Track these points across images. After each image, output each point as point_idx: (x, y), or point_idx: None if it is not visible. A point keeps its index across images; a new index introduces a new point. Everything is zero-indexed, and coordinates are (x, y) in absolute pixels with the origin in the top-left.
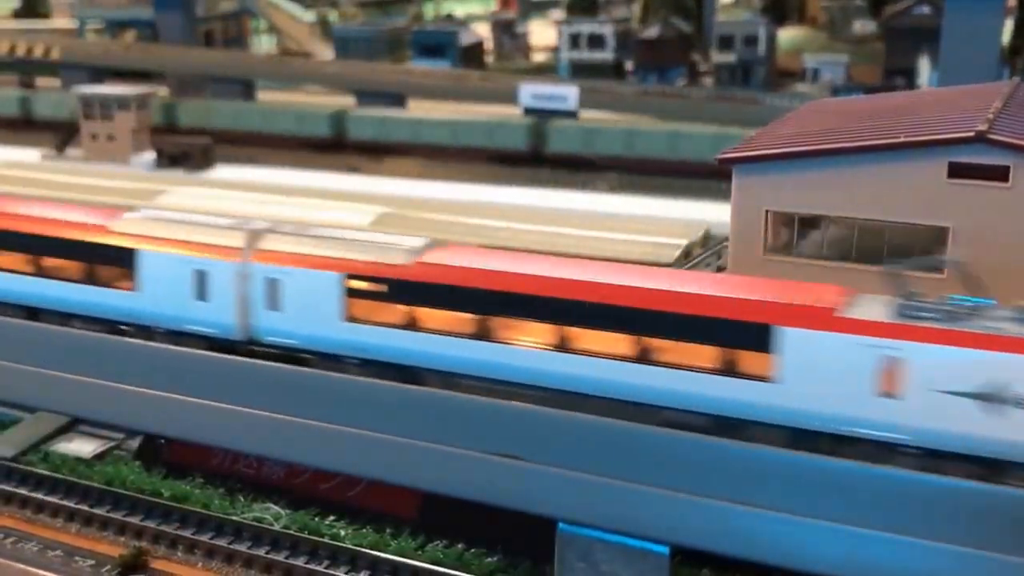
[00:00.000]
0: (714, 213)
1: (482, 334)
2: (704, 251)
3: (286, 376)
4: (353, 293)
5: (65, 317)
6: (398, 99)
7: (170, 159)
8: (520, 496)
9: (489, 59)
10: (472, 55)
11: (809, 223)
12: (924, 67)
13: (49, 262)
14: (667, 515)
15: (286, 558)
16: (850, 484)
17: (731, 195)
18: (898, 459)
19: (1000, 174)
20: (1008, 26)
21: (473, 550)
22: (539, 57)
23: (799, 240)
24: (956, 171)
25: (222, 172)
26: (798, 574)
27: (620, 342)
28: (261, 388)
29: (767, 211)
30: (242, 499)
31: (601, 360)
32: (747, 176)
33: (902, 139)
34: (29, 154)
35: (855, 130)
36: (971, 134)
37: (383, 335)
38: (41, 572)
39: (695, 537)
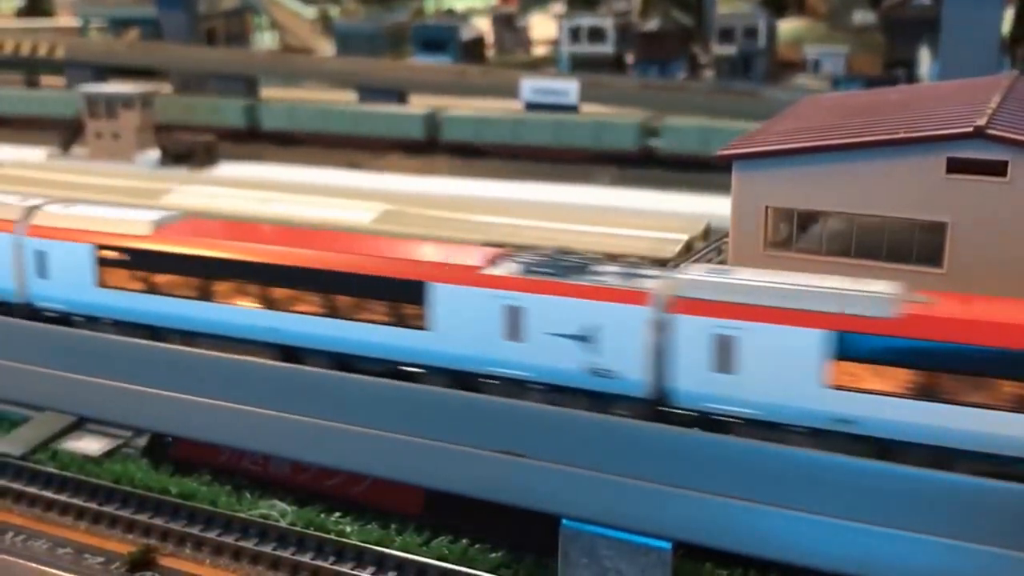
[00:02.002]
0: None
1: None
2: (705, 246)
3: (290, 375)
4: None
5: None
6: (399, 95)
7: (174, 157)
8: (524, 493)
9: (490, 53)
10: (473, 50)
11: (809, 218)
12: (924, 58)
13: None
14: (669, 511)
15: (292, 554)
16: (849, 480)
17: (731, 191)
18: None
19: (998, 169)
20: (1008, 16)
21: (478, 545)
22: (540, 51)
23: (799, 235)
24: (955, 166)
25: (225, 170)
26: (798, 569)
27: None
28: (265, 387)
29: (767, 207)
30: (248, 496)
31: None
32: (747, 172)
33: (901, 135)
34: (34, 153)
35: (854, 126)
36: (969, 129)
37: None
38: (51, 570)
39: (697, 533)
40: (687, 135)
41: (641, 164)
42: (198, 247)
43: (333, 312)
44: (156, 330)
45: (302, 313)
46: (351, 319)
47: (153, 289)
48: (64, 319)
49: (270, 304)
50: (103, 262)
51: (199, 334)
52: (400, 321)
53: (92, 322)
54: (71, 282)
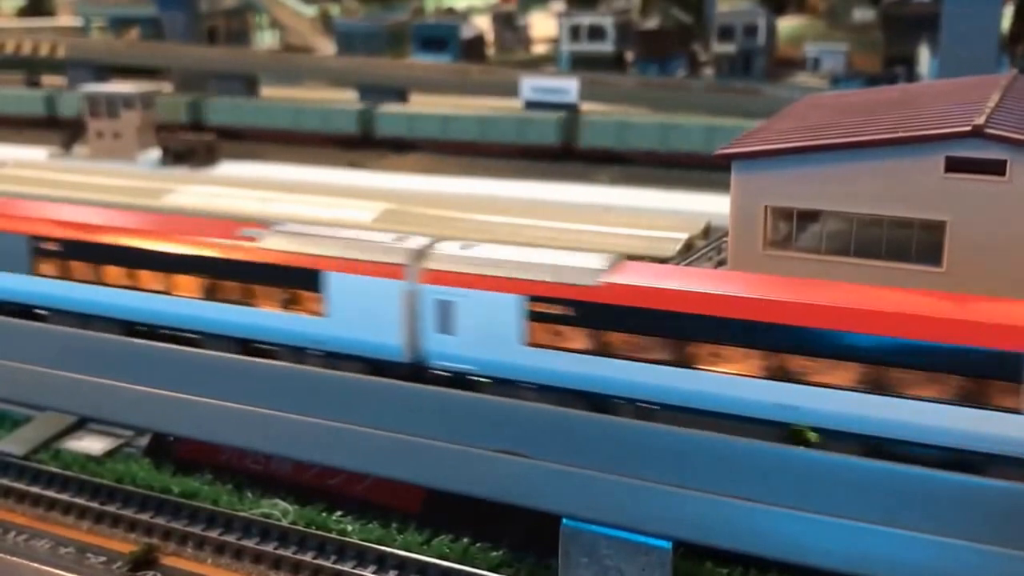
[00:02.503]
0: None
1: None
2: (705, 245)
3: (293, 376)
4: None
5: None
6: (400, 94)
7: (175, 156)
8: (525, 493)
9: (490, 52)
10: (473, 48)
11: (808, 217)
12: (924, 55)
13: None
14: (669, 511)
15: (294, 553)
16: (849, 480)
17: (730, 190)
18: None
19: (997, 168)
20: (1008, 13)
21: (479, 544)
22: (540, 49)
23: (798, 234)
24: (953, 165)
25: (226, 169)
26: (798, 568)
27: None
28: (269, 387)
29: (766, 206)
30: (250, 495)
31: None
32: (746, 171)
33: (899, 134)
34: (36, 152)
35: (853, 125)
36: (968, 128)
37: None
38: (53, 570)
39: (697, 532)
40: None
41: None
42: (674, 302)
43: (874, 387)
44: (604, 399)
45: (826, 386)
46: (896, 396)
47: (603, 349)
48: (464, 381)
49: (778, 374)
50: (535, 316)
51: (672, 407)
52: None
53: (512, 386)
54: (488, 340)
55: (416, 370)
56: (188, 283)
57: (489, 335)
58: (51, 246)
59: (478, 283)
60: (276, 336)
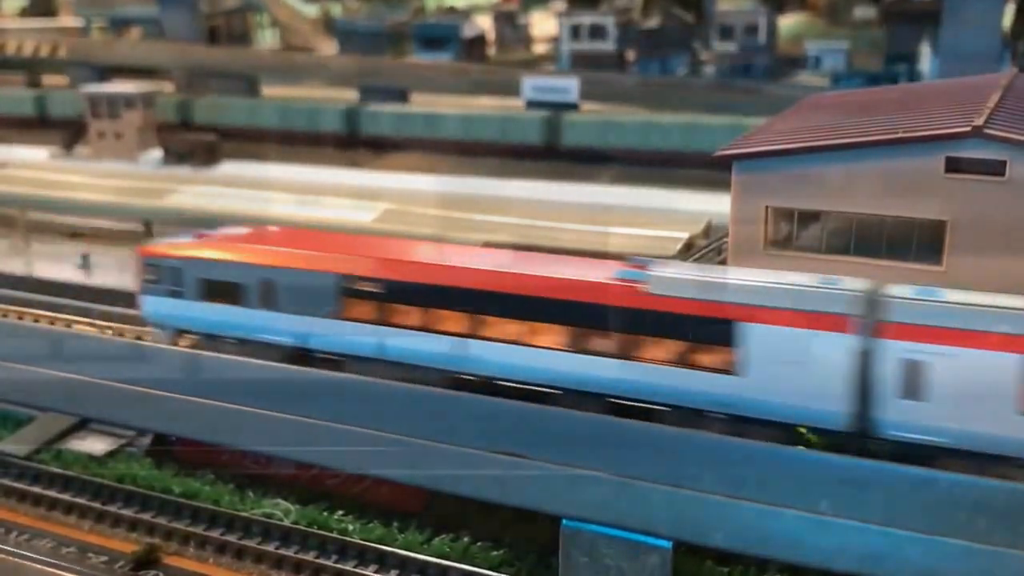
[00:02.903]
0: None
1: None
2: (706, 244)
3: (291, 376)
4: None
5: None
6: (401, 93)
7: (177, 156)
8: (525, 494)
9: (491, 51)
10: (474, 47)
11: (809, 217)
12: (925, 53)
13: None
14: (669, 511)
15: (296, 553)
16: (849, 480)
17: (731, 190)
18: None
19: (996, 168)
20: (1009, 10)
21: (479, 543)
22: (541, 48)
23: (799, 234)
24: (953, 166)
25: (227, 168)
26: (798, 568)
27: None
28: (269, 388)
29: (767, 207)
30: (251, 495)
31: None
32: (747, 172)
33: (900, 135)
34: (38, 153)
35: (853, 125)
36: (967, 129)
37: None
38: (55, 570)
39: (697, 532)
40: None
41: None
42: None
43: None
44: None
45: None
46: None
47: None
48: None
49: None
50: None
51: None
52: None
53: (1003, 462)
54: (974, 408)
55: (861, 440)
56: (548, 332)
57: (977, 402)
58: (367, 287)
59: (965, 339)
60: (665, 396)
